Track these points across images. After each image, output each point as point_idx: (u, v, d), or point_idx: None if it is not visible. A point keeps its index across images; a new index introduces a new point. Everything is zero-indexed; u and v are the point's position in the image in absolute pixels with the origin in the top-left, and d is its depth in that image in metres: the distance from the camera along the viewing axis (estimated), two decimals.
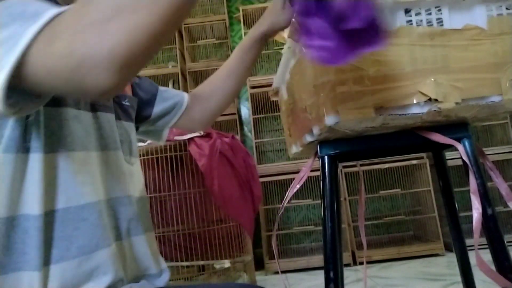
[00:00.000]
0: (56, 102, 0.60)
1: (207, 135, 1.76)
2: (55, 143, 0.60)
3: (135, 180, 0.75)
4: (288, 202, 0.77)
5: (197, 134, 1.74)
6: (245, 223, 1.77)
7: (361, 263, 2.42)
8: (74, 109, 0.63)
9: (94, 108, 0.68)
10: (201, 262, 1.76)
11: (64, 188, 0.60)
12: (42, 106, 0.56)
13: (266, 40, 0.87)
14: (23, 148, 0.57)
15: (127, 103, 0.79)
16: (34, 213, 0.56)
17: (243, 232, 1.86)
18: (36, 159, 0.57)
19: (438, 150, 0.89)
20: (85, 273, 0.60)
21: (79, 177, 0.61)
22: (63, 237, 0.59)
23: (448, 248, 2.42)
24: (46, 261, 0.57)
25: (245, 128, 3.06)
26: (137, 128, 0.88)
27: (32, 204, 0.57)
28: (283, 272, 2.40)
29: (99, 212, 0.63)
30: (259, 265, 2.42)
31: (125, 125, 0.77)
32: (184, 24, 2.97)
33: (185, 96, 0.92)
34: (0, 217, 0.55)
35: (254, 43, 0.86)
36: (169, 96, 0.91)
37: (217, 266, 1.74)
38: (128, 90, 0.84)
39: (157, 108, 0.89)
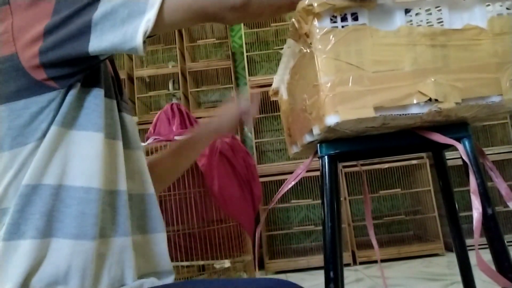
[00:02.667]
0: (108, 93, 0.66)
1: None
2: (113, 131, 0.67)
3: (148, 178, 0.77)
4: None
5: None
6: (245, 223, 1.77)
7: (361, 263, 2.42)
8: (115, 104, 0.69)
9: (119, 109, 0.71)
10: (201, 262, 1.75)
11: (121, 171, 0.66)
12: (104, 97, 0.65)
13: (211, 139, 0.97)
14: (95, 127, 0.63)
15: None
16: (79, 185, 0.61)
17: (243, 232, 1.86)
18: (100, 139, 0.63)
19: (438, 150, 0.89)
20: (105, 255, 0.63)
21: (119, 165, 0.66)
22: (95, 215, 0.61)
23: (448, 248, 2.42)
24: (80, 234, 0.60)
25: (245, 128, 3.06)
26: None
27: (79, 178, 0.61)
28: (284, 272, 2.40)
29: (126, 202, 0.66)
30: (259, 265, 2.42)
31: (136, 127, 0.81)
32: None
33: None
34: (48, 184, 0.59)
35: (201, 138, 0.92)
36: None
37: (217, 266, 1.73)
38: None
39: None
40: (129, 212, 0.67)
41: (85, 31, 0.58)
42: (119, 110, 0.71)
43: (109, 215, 0.64)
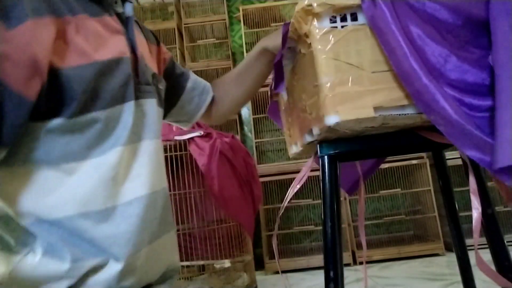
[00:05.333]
0: (114, 101, 0.62)
1: (207, 135, 1.76)
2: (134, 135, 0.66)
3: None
4: (288, 202, 0.77)
5: (197, 134, 1.74)
6: (245, 223, 1.77)
7: (361, 263, 2.42)
8: (122, 104, 0.64)
9: (136, 95, 0.67)
10: (201, 262, 1.76)
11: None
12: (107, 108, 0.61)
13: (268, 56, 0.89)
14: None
15: (161, 87, 0.79)
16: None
17: (243, 232, 1.86)
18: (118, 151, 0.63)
19: (438, 150, 0.89)
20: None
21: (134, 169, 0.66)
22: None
23: (448, 248, 2.42)
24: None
25: (245, 128, 3.06)
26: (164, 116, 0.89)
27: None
28: (284, 272, 2.40)
29: (146, 205, 0.66)
30: (259, 265, 2.42)
31: (159, 111, 0.76)
32: (184, 24, 2.97)
33: (210, 86, 0.96)
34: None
35: (258, 54, 0.90)
36: (199, 79, 0.95)
37: (217, 266, 1.74)
38: (156, 68, 0.81)
39: (190, 84, 0.91)
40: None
41: None
42: (137, 97, 0.67)
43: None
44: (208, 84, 0.96)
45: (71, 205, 0.58)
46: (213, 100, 0.96)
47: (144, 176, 0.66)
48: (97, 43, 0.61)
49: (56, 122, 0.56)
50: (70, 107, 0.56)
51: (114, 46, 0.64)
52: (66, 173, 0.59)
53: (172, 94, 0.89)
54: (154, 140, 0.69)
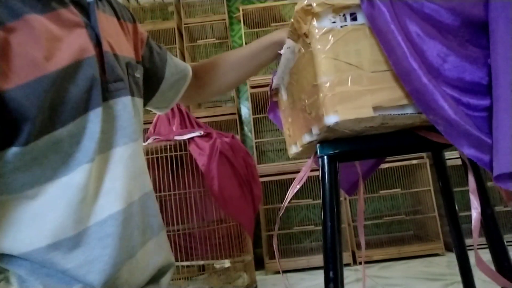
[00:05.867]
0: (77, 112, 0.55)
1: (207, 135, 1.76)
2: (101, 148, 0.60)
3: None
4: (288, 202, 0.77)
5: (197, 134, 1.74)
6: (245, 223, 1.77)
7: (361, 263, 2.42)
8: (86, 114, 0.57)
9: (105, 97, 0.59)
10: (201, 262, 1.76)
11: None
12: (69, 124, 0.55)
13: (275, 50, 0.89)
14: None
15: (138, 75, 0.71)
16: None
17: (243, 232, 1.86)
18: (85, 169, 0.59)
19: (437, 150, 0.89)
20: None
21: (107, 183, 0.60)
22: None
23: (448, 248, 2.42)
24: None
25: (245, 128, 3.06)
26: (145, 104, 0.83)
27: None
28: (284, 272, 2.40)
29: (123, 220, 0.61)
30: (259, 265, 2.42)
31: (137, 102, 0.68)
32: (184, 24, 2.97)
33: (190, 68, 0.93)
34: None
35: (270, 45, 0.89)
36: (177, 62, 0.90)
37: (217, 266, 1.74)
38: (133, 52, 0.74)
39: (168, 70, 0.86)
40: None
41: None
42: (105, 99, 0.59)
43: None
44: (187, 67, 0.92)
45: (40, 238, 0.53)
46: (197, 82, 0.92)
47: (118, 189, 0.59)
48: (51, 46, 0.52)
49: (13, 151, 0.50)
50: (25, 132, 0.49)
51: (72, 46, 0.55)
52: (31, 199, 0.53)
53: (151, 84, 0.83)
54: (129, 144, 0.62)
